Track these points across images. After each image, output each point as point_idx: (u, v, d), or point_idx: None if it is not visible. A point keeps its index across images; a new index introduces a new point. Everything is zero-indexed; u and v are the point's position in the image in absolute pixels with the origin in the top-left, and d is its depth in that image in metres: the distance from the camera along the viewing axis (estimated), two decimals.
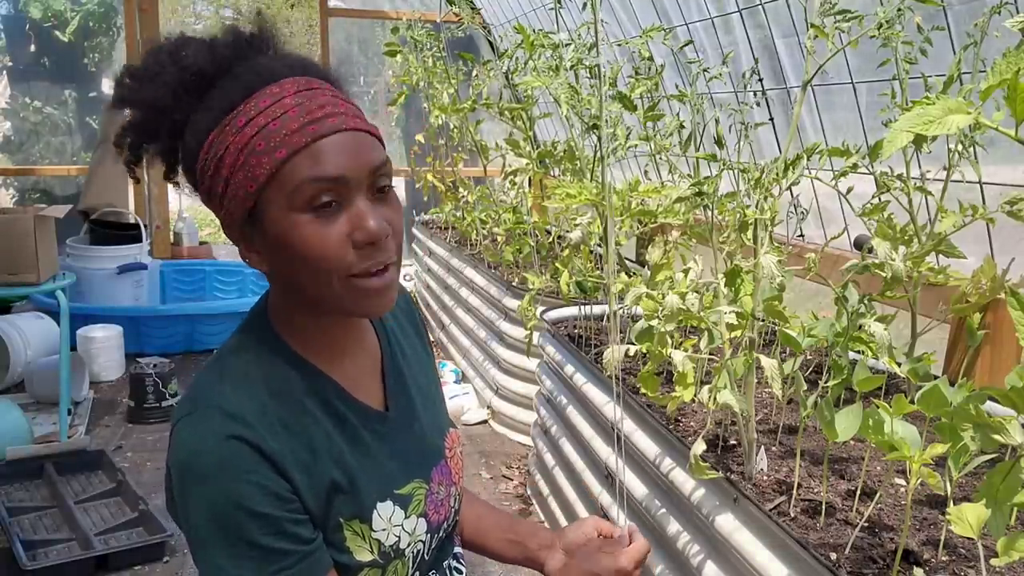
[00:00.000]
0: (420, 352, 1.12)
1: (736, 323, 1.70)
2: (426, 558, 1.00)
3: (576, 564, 1.11)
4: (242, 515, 0.82)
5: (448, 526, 1.05)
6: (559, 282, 2.80)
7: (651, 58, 2.53)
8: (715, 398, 1.60)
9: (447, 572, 1.07)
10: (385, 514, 0.94)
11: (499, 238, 4.20)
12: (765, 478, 1.67)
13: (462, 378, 4.30)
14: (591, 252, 3.12)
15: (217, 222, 0.92)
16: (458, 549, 1.13)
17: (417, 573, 0.99)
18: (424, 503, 0.99)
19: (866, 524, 1.47)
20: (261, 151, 0.83)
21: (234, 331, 0.96)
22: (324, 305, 0.89)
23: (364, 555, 0.91)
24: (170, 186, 0.96)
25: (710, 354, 1.76)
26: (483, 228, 4.52)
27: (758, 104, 3.25)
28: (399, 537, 0.95)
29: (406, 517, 0.96)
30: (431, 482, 1.01)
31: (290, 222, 0.83)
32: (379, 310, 0.90)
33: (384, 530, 0.93)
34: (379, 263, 0.86)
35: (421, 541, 0.98)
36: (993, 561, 1.06)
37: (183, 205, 7.52)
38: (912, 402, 1.36)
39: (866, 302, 1.81)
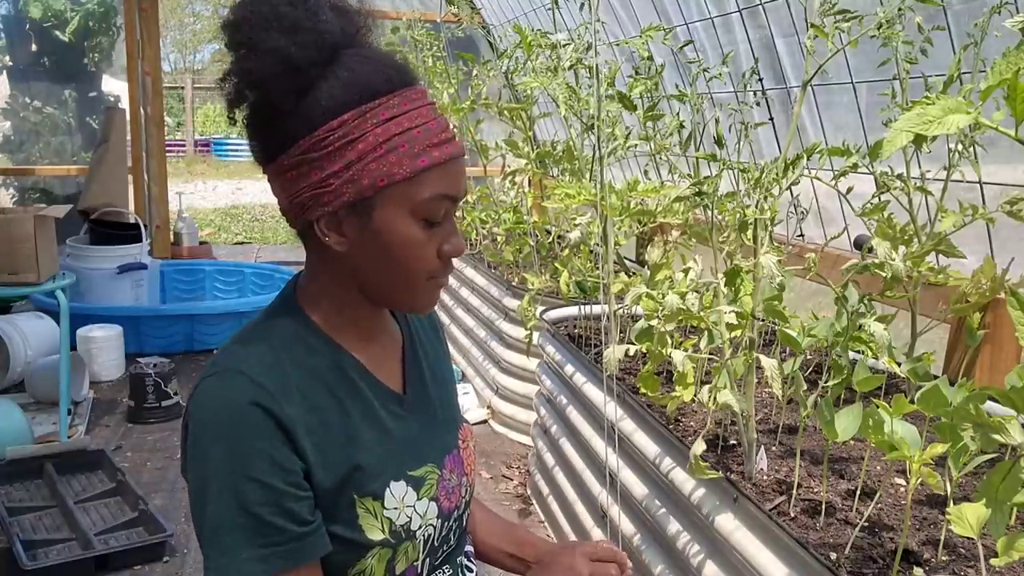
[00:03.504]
0: (436, 345, 1.15)
1: (736, 323, 1.70)
2: (436, 544, 1.01)
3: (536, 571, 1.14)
4: (245, 481, 0.84)
5: (459, 516, 1.06)
6: (559, 282, 2.80)
7: (651, 58, 2.53)
8: (715, 398, 1.60)
9: (460, 569, 1.08)
10: (398, 493, 0.95)
11: (499, 238, 4.20)
12: (765, 478, 1.67)
13: (462, 378, 4.31)
14: (591, 252, 3.12)
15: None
16: (469, 548, 1.13)
17: (428, 560, 1.00)
18: (436, 488, 1.00)
19: (866, 524, 1.47)
20: (404, 152, 0.88)
21: (265, 308, 1.00)
22: (383, 297, 0.97)
23: (375, 533, 0.92)
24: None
25: (710, 354, 1.76)
26: (483, 228, 4.52)
27: (758, 104, 3.25)
28: (410, 518, 0.96)
29: (418, 499, 0.97)
30: (443, 468, 1.03)
31: (404, 224, 0.90)
32: (428, 309, 0.99)
33: (396, 509, 0.94)
34: (448, 274, 0.97)
35: (432, 525, 0.99)
36: (993, 561, 1.07)
37: (183, 205, 7.52)
38: (912, 402, 1.36)
39: (866, 302, 1.81)
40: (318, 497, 0.89)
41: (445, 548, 1.04)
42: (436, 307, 1.17)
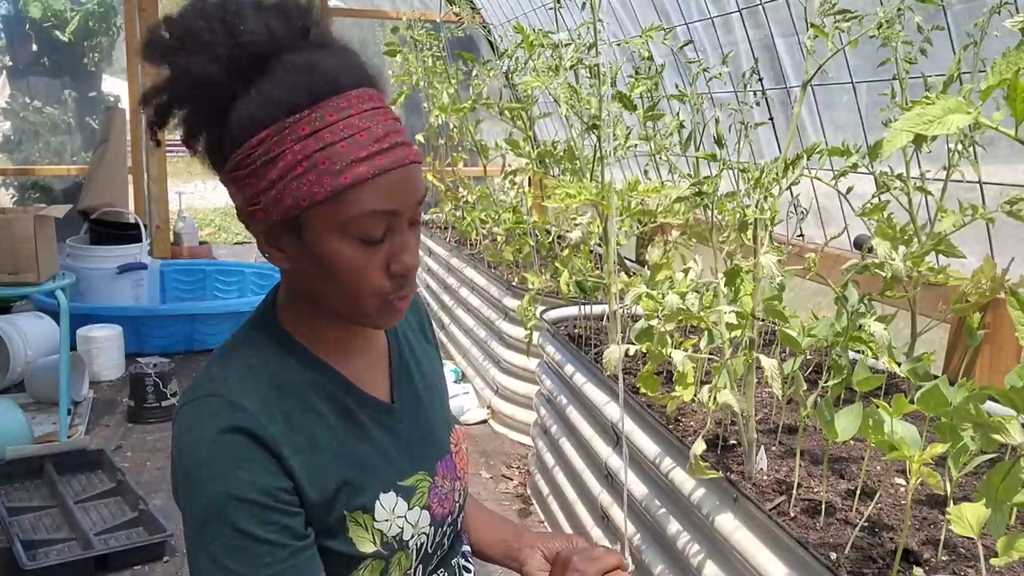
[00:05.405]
0: (425, 347, 1.13)
1: (736, 323, 1.70)
2: (430, 551, 1.00)
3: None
4: (236, 503, 0.83)
5: (453, 520, 1.05)
6: (559, 282, 2.80)
7: (651, 58, 2.53)
8: (715, 398, 1.60)
9: (456, 570, 1.07)
10: (388, 505, 0.94)
11: (499, 238, 4.20)
12: (765, 478, 1.67)
13: (462, 378, 4.30)
14: (591, 252, 3.12)
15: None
16: (466, 547, 1.13)
17: (421, 567, 0.99)
18: (428, 496, 1.00)
19: (866, 524, 1.47)
20: (324, 170, 0.82)
21: (242, 323, 0.97)
22: (342, 315, 0.92)
23: (367, 546, 0.92)
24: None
25: (710, 354, 1.76)
26: (483, 228, 4.52)
27: (758, 104, 3.25)
28: (402, 528, 0.95)
29: (409, 509, 0.96)
30: (435, 475, 1.02)
31: (337, 244, 0.85)
32: (392, 324, 0.95)
33: (386, 521, 0.94)
34: (407, 292, 0.91)
35: (424, 534, 0.98)
36: (993, 561, 1.06)
37: (183, 205, 7.52)
38: (912, 402, 1.36)
39: (866, 302, 1.81)
40: (308, 514, 0.88)
41: (439, 553, 1.03)
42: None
